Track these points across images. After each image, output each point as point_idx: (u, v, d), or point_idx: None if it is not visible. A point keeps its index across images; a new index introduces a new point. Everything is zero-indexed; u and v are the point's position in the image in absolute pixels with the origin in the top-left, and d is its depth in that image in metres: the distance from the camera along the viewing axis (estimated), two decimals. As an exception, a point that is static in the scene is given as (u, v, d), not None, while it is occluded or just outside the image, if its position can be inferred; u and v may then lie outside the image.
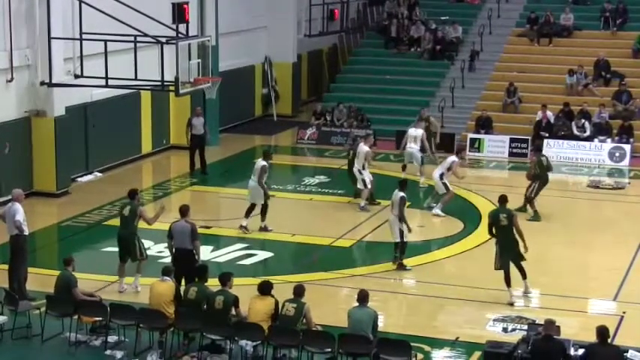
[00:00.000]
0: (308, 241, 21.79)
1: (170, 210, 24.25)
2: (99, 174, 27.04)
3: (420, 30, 37.14)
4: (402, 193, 19.42)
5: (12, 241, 16.94)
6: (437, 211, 23.24)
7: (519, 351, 13.79)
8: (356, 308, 14.28)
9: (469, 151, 30.41)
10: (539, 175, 23.32)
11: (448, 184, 23.44)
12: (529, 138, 30.16)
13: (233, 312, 14.74)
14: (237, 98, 33.67)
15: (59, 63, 24.32)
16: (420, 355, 14.80)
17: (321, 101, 35.62)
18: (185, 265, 16.50)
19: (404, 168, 26.74)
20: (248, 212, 21.85)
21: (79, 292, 15.53)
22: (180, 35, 24.67)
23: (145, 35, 23.46)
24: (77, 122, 25.95)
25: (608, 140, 30.06)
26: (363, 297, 14.29)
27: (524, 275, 17.81)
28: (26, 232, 16.96)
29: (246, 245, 20.84)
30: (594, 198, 25.80)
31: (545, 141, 30.03)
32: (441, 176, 23.46)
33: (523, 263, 17.76)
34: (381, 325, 15.17)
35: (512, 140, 30.41)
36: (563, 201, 25.18)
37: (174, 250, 17.05)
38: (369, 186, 23.96)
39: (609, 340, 13.61)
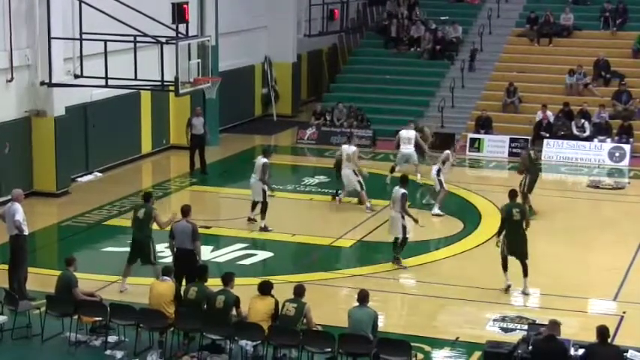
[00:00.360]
0: (308, 241, 21.80)
1: (171, 211, 24.34)
2: (99, 174, 27.04)
3: (420, 30, 37.15)
4: (403, 190, 19.47)
5: (12, 241, 16.93)
6: (436, 210, 23.26)
7: (519, 351, 13.78)
8: (356, 308, 14.28)
9: (469, 151, 30.44)
10: (528, 168, 23.39)
11: (443, 182, 23.42)
12: (529, 138, 30.16)
13: (234, 312, 14.74)
14: (237, 98, 33.67)
15: (59, 63, 24.32)
16: (420, 355, 14.80)
17: (320, 101, 35.62)
18: (186, 265, 16.49)
19: (392, 169, 26.44)
20: (253, 207, 22.19)
21: (79, 293, 15.53)
22: (180, 35, 24.67)
23: (145, 35, 23.46)
24: (77, 122, 25.95)
25: (608, 140, 30.06)
26: (363, 297, 14.29)
27: (526, 273, 17.94)
28: (26, 232, 16.95)
29: (246, 245, 20.83)
30: (594, 198, 25.80)
31: (545, 141, 30.07)
32: (438, 172, 23.50)
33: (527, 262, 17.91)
34: (381, 325, 15.16)
35: (512, 140, 30.41)
36: (563, 201, 25.19)
37: (175, 249, 17.06)
38: (364, 188, 23.99)
39: (609, 340, 13.62)
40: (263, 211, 21.86)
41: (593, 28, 35.89)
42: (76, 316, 15.34)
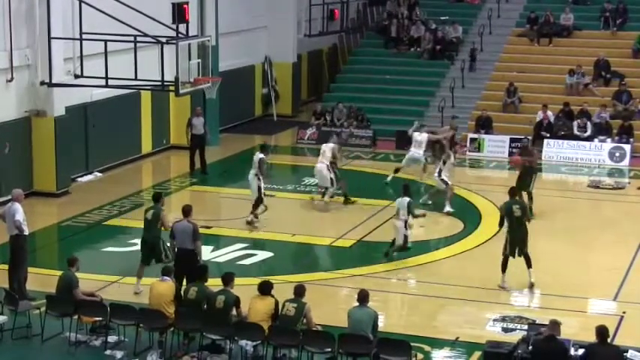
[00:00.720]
0: (308, 241, 21.80)
1: (171, 211, 24.34)
2: (99, 174, 27.04)
3: (420, 30, 37.15)
4: (408, 199, 19.59)
5: (12, 241, 16.94)
6: (447, 209, 23.20)
7: (519, 351, 13.78)
8: (356, 308, 14.28)
9: (469, 151, 30.47)
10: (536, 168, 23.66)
11: (447, 180, 23.43)
12: (528, 137, 30.10)
13: (234, 312, 14.74)
14: (237, 98, 33.67)
15: (59, 63, 24.32)
16: (420, 355, 14.80)
17: (321, 101, 35.62)
18: (186, 265, 16.48)
19: (397, 170, 26.26)
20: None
21: (79, 293, 15.52)
22: (180, 35, 24.67)
23: (145, 35, 23.46)
24: (77, 122, 25.95)
25: (608, 140, 30.06)
26: (363, 297, 14.29)
27: (530, 264, 18.20)
28: (26, 232, 16.95)
29: (246, 245, 20.83)
30: (594, 198, 25.80)
31: (546, 141, 30.08)
32: (439, 173, 23.49)
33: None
34: (381, 325, 15.15)
35: (512, 140, 30.40)
36: (564, 201, 25.19)
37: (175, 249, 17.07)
38: (335, 185, 24.00)
39: (609, 340, 13.62)
40: (254, 206, 21.94)
41: (593, 28, 35.89)
42: (76, 316, 15.34)
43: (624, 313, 17.21)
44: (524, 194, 23.21)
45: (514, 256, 18.24)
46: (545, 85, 33.75)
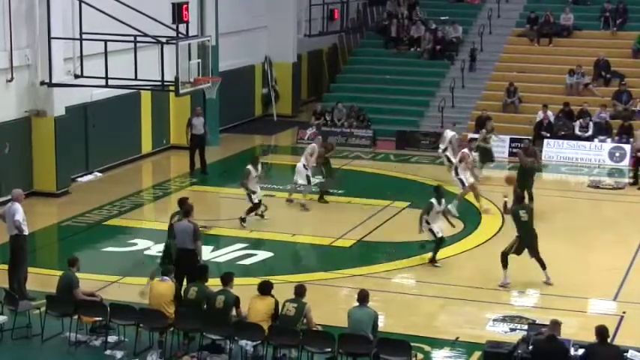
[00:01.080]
0: (308, 241, 21.81)
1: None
2: (99, 174, 27.05)
3: (420, 30, 37.16)
4: (431, 199, 19.71)
5: (12, 241, 16.93)
6: (453, 211, 23.07)
7: (519, 351, 13.78)
8: (356, 308, 14.28)
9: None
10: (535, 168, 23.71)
11: (464, 180, 23.38)
12: (529, 138, 30.12)
13: (233, 312, 14.74)
14: (237, 98, 33.67)
15: (59, 63, 24.33)
16: (420, 355, 14.79)
17: (321, 101, 35.62)
18: (186, 265, 16.45)
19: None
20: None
21: (80, 293, 15.52)
22: (180, 35, 24.66)
23: (145, 35, 23.46)
24: (77, 122, 25.95)
25: (608, 140, 30.06)
26: (363, 297, 14.29)
27: (544, 266, 18.38)
28: (26, 232, 16.95)
29: (246, 245, 20.83)
30: (594, 198, 25.79)
31: (546, 141, 30.08)
32: (456, 171, 23.49)
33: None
34: (381, 325, 15.15)
35: (512, 140, 30.40)
36: (563, 201, 25.19)
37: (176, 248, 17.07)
38: (311, 184, 24.10)
39: (609, 340, 13.62)
40: (249, 210, 22.15)
41: (593, 28, 35.89)
42: (76, 316, 15.34)
43: (624, 313, 17.21)
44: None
45: (519, 254, 18.38)
46: (545, 85, 33.75)
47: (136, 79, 23.38)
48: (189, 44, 23.67)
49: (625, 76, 32.92)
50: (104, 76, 23.41)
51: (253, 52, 35.30)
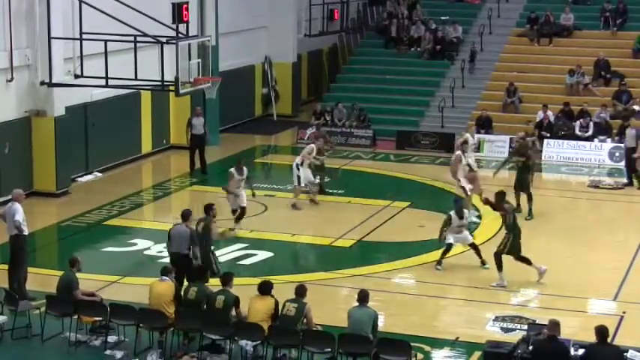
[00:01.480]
0: (308, 241, 21.80)
1: (170, 211, 24.35)
2: (99, 174, 27.04)
3: (420, 30, 37.16)
4: (450, 212, 19.64)
5: (12, 241, 16.94)
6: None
7: (519, 351, 13.78)
8: (356, 308, 14.27)
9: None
10: (531, 166, 23.67)
11: (466, 189, 22.98)
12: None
13: (233, 312, 14.73)
14: (237, 98, 33.67)
15: (59, 63, 24.33)
16: (420, 355, 14.79)
17: (321, 101, 35.61)
18: (180, 269, 16.50)
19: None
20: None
21: (79, 295, 15.51)
22: (180, 35, 24.68)
23: (145, 35, 23.47)
24: (77, 122, 25.95)
25: (608, 140, 30.05)
26: (363, 297, 14.28)
27: (529, 262, 18.47)
28: (26, 232, 16.95)
29: (246, 245, 20.83)
30: (594, 198, 25.79)
31: (546, 141, 30.07)
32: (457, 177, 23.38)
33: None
34: (381, 325, 15.16)
35: (512, 140, 30.37)
36: (563, 201, 25.19)
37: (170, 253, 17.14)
38: (302, 184, 23.96)
39: (609, 340, 13.61)
40: (237, 217, 21.79)
41: (593, 28, 35.90)
42: (76, 316, 15.34)
43: (624, 313, 17.21)
44: (523, 194, 23.29)
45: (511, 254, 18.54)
46: (545, 85, 33.76)
47: (136, 79, 23.38)
48: (189, 44, 23.68)
49: (625, 76, 32.93)
50: (104, 76, 23.43)
51: (253, 52, 35.31)
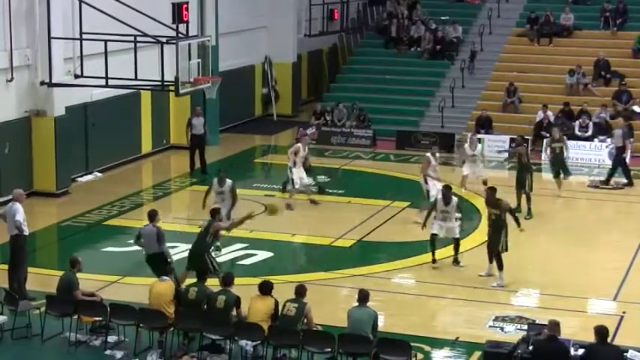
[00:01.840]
0: (308, 241, 21.80)
1: (171, 211, 24.35)
2: (99, 174, 27.05)
3: (420, 30, 37.17)
4: (456, 198, 19.79)
5: (12, 241, 16.94)
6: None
7: (519, 351, 13.77)
8: (356, 308, 14.27)
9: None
10: (528, 165, 23.65)
11: (430, 192, 22.71)
12: (529, 138, 30.16)
13: (233, 312, 14.73)
14: (237, 98, 33.68)
15: (59, 63, 24.33)
16: (420, 355, 14.79)
17: (321, 101, 35.62)
18: (156, 267, 16.65)
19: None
20: None
21: (79, 295, 15.51)
22: (180, 35, 24.68)
23: (145, 35, 23.47)
24: (77, 122, 25.96)
25: (608, 140, 30.04)
26: (363, 297, 14.28)
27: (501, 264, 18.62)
28: (26, 233, 16.95)
29: (246, 245, 20.83)
30: (594, 198, 25.79)
31: (545, 141, 30.02)
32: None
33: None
34: (381, 325, 15.15)
35: (512, 140, 30.37)
36: (563, 201, 25.18)
37: (144, 253, 17.27)
38: (297, 186, 23.86)
39: (609, 340, 13.61)
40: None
41: (593, 28, 35.90)
42: (76, 316, 15.34)
43: (624, 313, 17.21)
44: (522, 195, 23.32)
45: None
46: (545, 85, 33.76)
47: (136, 79, 23.39)
48: (189, 44, 23.68)
49: (625, 76, 32.93)
50: (104, 76, 23.43)
51: (253, 52, 35.31)
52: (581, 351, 13.26)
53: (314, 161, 29.82)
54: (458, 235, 19.69)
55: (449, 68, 35.36)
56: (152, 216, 17.31)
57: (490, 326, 16.38)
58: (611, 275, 19.27)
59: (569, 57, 34.20)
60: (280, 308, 14.45)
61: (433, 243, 19.55)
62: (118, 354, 14.92)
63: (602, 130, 30.35)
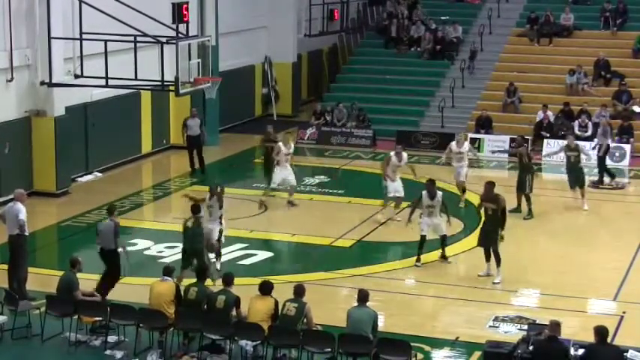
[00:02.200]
0: (308, 241, 21.80)
1: (171, 211, 24.34)
2: (99, 174, 27.05)
3: (420, 30, 37.18)
4: (441, 192, 19.85)
5: (12, 241, 16.92)
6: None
7: (519, 351, 13.77)
8: (355, 308, 14.26)
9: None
10: (529, 166, 23.62)
11: (388, 188, 22.94)
12: (529, 138, 30.17)
13: (233, 312, 14.73)
14: (237, 98, 33.67)
15: (59, 63, 24.33)
16: (420, 355, 14.79)
17: (321, 101, 35.62)
18: (108, 262, 16.80)
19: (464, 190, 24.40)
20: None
21: (79, 295, 15.51)
22: (180, 35, 24.68)
23: (145, 35, 23.47)
24: (77, 122, 25.95)
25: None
26: (363, 297, 14.28)
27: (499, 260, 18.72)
28: (27, 233, 16.95)
29: (246, 245, 20.83)
30: (594, 198, 25.76)
31: (546, 141, 30.09)
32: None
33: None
34: (381, 325, 15.16)
35: (512, 140, 30.38)
36: (563, 201, 25.17)
37: (99, 248, 17.25)
38: (274, 185, 23.90)
39: (609, 340, 13.61)
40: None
41: (593, 28, 35.91)
42: (76, 316, 15.34)
43: (624, 313, 17.21)
44: (522, 195, 23.33)
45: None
46: (545, 85, 33.77)
47: (136, 79, 23.39)
48: (189, 44, 23.68)
49: (625, 76, 32.94)
50: (104, 76, 23.43)
51: (253, 52, 35.31)
52: (581, 351, 13.26)
53: (314, 161, 29.89)
54: (445, 232, 19.77)
55: (449, 68, 35.37)
56: (111, 210, 17.44)
57: (490, 326, 16.38)
58: (611, 275, 19.27)
59: (569, 57, 34.21)
60: (280, 308, 14.45)
61: (422, 244, 19.61)
62: (118, 354, 14.92)
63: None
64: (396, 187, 22.64)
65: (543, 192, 24.88)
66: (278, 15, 35.59)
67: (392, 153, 23.29)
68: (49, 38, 23.85)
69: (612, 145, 28.86)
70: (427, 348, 15.33)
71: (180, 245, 18.45)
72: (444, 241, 19.80)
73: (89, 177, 26.74)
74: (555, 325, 13.38)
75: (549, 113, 30.95)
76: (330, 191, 25.43)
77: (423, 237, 19.59)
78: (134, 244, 20.89)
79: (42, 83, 24.13)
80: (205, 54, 24.03)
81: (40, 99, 24.34)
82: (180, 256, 18.26)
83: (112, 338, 15.30)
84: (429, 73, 35.39)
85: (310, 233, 22.19)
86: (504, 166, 29.16)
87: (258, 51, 35.66)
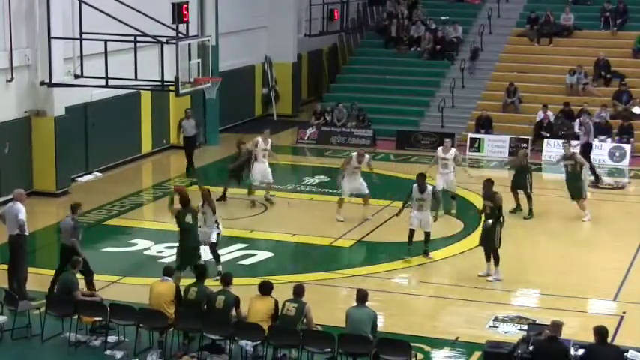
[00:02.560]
0: (308, 241, 21.79)
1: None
2: (99, 174, 27.05)
3: (420, 30, 37.18)
4: (431, 186, 20.04)
5: (12, 241, 16.92)
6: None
7: (519, 351, 13.78)
8: (354, 308, 14.26)
9: (469, 150, 30.49)
10: (525, 166, 23.69)
11: (344, 188, 23.06)
12: (529, 138, 30.19)
13: (233, 312, 14.74)
14: (237, 98, 33.67)
15: (59, 63, 24.33)
16: (420, 355, 14.79)
17: (321, 101, 35.62)
18: (66, 261, 16.69)
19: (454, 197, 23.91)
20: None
21: (79, 295, 15.51)
22: (180, 35, 24.69)
23: (145, 35, 23.47)
24: (77, 122, 25.95)
25: (608, 140, 30.05)
26: (362, 297, 14.28)
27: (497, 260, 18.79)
28: (27, 233, 16.95)
29: (246, 245, 20.83)
30: (594, 198, 25.75)
31: (545, 141, 30.08)
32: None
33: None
34: (381, 325, 15.16)
35: (512, 140, 30.41)
36: (563, 201, 25.15)
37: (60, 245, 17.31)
38: (255, 183, 23.99)
39: (609, 340, 13.61)
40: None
41: (593, 28, 35.91)
42: (76, 316, 15.34)
43: (624, 313, 17.21)
44: (522, 195, 23.33)
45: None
46: (545, 85, 33.77)
47: (136, 79, 23.39)
48: (189, 44, 23.69)
49: (625, 76, 32.95)
50: (104, 76, 23.43)
51: (253, 52, 35.31)
52: (581, 351, 13.27)
53: (314, 161, 29.90)
54: (430, 229, 19.89)
55: (449, 68, 35.37)
56: (73, 208, 17.45)
57: (490, 326, 16.38)
58: (611, 275, 19.27)
59: (569, 57, 34.21)
60: (280, 308, 14.45)
61: (411, 239, 19.71)
62: (118, 354, 14.92)
63: (603, 130, 30.34)
64: (354, 187, 22.75)
65: (543, 192, 24.89)
66: (278, 15, 35.59)
67: (354, 153, 23.29)
68: (49, 38, 23.85)
69: (595, 143, 28.91)
70: (427, 348, 15.33)
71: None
72: (427, 237, 19.92)
73: (89, 177, 26.75)
74: (557, 326, 13.39)
75: (549, 113, 30.96)
76: (330, 191, 25.41)
77: (411, 231, 19.74)
78: (134, 244, 20.93)
79: (42, 83, 24.13)
80: (205, 54, 24.03)
81: (40, 99, 24.34)
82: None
83: (112, 338, 15.31)
84: (429, 73, 35.39)
85: (310, 233, 22.19)
86: (504, 166, 29.15)
87: (258, 51, 35.66)
